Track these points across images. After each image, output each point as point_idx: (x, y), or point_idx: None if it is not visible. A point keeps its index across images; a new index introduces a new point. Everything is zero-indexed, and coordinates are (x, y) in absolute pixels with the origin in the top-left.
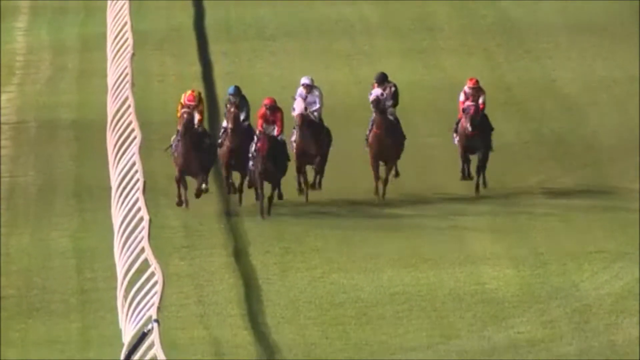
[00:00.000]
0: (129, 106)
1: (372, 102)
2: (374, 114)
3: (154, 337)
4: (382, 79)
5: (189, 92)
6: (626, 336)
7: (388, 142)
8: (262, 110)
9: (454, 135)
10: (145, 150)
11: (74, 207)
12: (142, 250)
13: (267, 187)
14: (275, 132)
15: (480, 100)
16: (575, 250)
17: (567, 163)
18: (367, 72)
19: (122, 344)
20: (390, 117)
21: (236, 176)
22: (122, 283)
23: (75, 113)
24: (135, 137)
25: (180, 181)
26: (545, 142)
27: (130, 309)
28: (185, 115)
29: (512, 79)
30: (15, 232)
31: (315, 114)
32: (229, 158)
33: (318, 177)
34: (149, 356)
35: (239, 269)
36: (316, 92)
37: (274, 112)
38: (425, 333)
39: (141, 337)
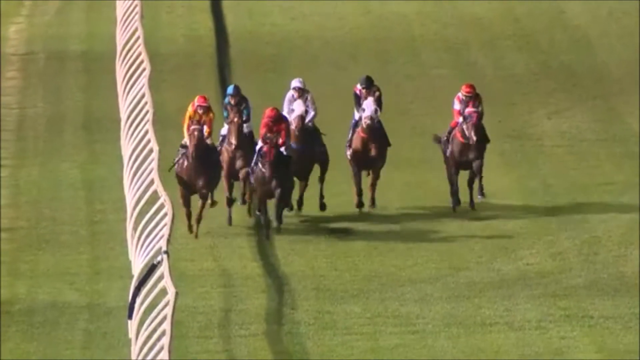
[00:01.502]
0: (138, 37)
1: (367, 126)
2: (356, 115)
3: (164, 268)
4: (369, 83)
5: (196, 97)
6: (635, 267)
7: (374, 151)
8: (265, 121)
9: (445, 147)
10: (154, 82)
11: (83, 138)
12: (152, 181)
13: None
14: (280, 143)
15: (479, 109)
16: (585, 182)
17: (576, 95)
18: (376, 4)
19: (132, 276)
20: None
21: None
22: (132, 214)
23: (84, 44)
24: (144, 69)
25: (185, 201)
26: (555, 73)
27: (139, 240)
28: (196, 134)
29: (521, 10)
30: (25, 164)
31: (310, 124)
32: (230, 172)
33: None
34: (158, 288)
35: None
36: (308, 97)
37: (278, 123)
38: (434, 265)
39: (151, 268)
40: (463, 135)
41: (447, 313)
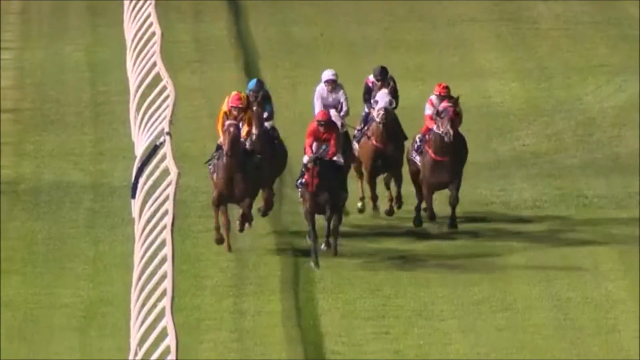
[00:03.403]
0: None
1: (381, 117)
2: (366, 109)
3: (166, 149)
4: (384, 74)
5: (233, 93)
6: (629, 148)
7: (389, 153)
8: (314, 126)
9: (413, 154)
10: None
11: (88, 21)
12: (154, 64)
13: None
14: (329, 153)
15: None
16: (580, 64)
17: None
18: None
19: (135, 156)
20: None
21: None
22: (135, 96)
23: None
24: None
25: (219, 209)
26: None
27: (142, 122)
28: (231, 129)
29: None
30: (30, 47)
31: (343, 121)
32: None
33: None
34: (161, 168)
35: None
36: (340, 91)
37: (329, 129)
38: None
39: (153, 149)
40: (436, 149)
41: (444, 193)
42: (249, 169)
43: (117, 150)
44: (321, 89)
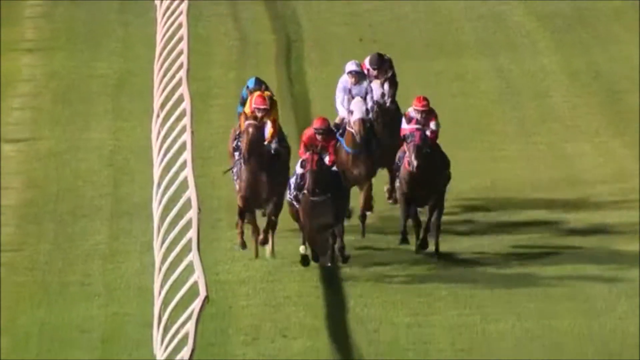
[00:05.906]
0: None
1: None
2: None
3: None
4: (380, 62)
5: (255, 94)
6: None
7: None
8: (310, 133)
9: (396, 175)
10: None
11: None
12: None
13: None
14: (328, 161)
15: (432, 126)
16: None
17: None
18: None
19: None
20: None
21: None
22: None
23: None
24: None
25: (245, 216)
26: None
27: None
28: (250, 130)
29: None
30: None
31: (370, 115)
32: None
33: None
34: None
35: None
36: (365, 84)
37: (328, 138)
38: None
39: None
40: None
41: None
42: (274, 171)
43: None
44: (345, 80)
